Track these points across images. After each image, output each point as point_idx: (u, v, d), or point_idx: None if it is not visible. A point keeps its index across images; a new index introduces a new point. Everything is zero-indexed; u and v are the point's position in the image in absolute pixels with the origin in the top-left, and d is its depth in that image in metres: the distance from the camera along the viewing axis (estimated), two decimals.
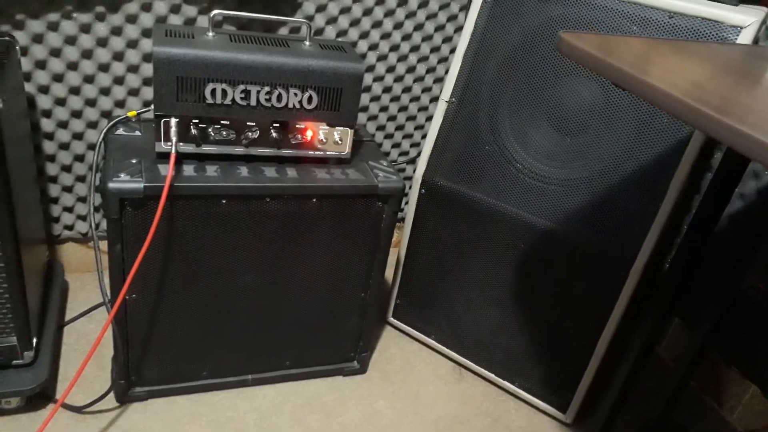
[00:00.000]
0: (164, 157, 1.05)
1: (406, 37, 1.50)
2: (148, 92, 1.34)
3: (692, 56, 0.73)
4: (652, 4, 1.05)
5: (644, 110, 1.09)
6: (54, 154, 1.33)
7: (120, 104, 1.33)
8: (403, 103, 1.60)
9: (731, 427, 1.26)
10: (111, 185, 0.98)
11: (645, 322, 1.12)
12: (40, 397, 1.15)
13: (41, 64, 1.23)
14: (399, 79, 1.55)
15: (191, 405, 1.22)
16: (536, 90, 1.18)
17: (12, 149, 1.01)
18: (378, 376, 1.39)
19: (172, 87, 1.00)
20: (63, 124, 1.31)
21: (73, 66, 1.25)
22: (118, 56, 1.28)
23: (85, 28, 1.23)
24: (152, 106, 1.04)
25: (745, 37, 0.99)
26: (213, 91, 1.02)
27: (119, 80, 1.30)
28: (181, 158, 1.08)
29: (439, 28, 1.52)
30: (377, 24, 1.45)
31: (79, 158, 1.36)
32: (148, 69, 1.31)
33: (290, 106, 1.08)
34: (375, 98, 1.55)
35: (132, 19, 1.25)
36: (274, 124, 1.09)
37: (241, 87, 1.03)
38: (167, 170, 1.01)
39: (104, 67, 1.28)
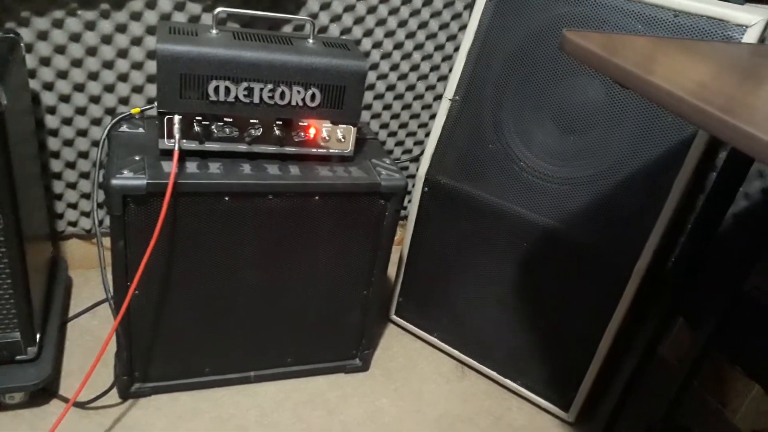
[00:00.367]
0: (167, 154, 1.05)
1: (410, 35, 1.50)
2: (151, 89, 1.34)
3: (697, 55, 0.72)
4: (657, 3, 1.05)
5: (648, 109, 1.08)
6: (58, 150, 1.33)
7: (124, 101, 1.33)
8: (407, 101, 1.60)
9: (735, 427, 1.25)
10: (114, 182, 0.98)
11: (648, 321, 1.11)
12: (44, 392, 1.16)
13: (46, 61, 1.23)
14: (403, 77, 1.55)
15: (194, 401, 1.23)
16: (540, 88, 1.17)
17: (16, 146, 1.01)
18: (380, 373, 1.39)
19: (176, 84, 1.00)
20: (67, 121, 1.31)
21: (77, 63, 1.25)
22: (123, 53, 1.28)
23: (90, 26, 1.23)
24: (156, 104, 1.04)
25: (751, 36, 0.99)
26: (216, 89, 1.02)
27: (123, 77, 1.30)
28: (184, 155, 1.08)
29: (444, 26, 1.52)
30: (381, 22, 1.45)
31: (83, 155, 1.36)
32: (152, 66, 1.31)
33: (293, 103, 1.08)
34: (378, 96, 1.55)
35: (136, 16, 1.25)
36: (277, 122, 1.09)
37: (245, 84, 1.03)
38: (170, 167, 1.02)
39: (108, 65, 1.28)
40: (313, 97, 1.08)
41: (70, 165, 1.36)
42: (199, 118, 1.04)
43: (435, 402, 1.34)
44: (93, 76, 1.28)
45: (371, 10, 1.42)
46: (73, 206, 1.41)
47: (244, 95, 1.04)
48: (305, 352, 1.30)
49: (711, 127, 0.51)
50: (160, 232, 1.03)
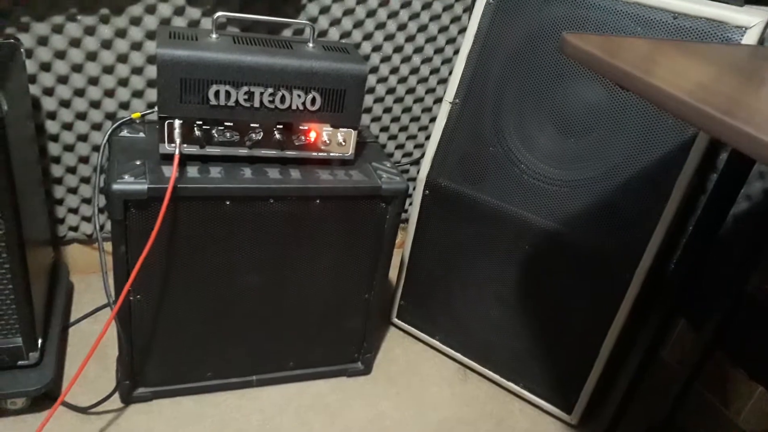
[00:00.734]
0: (168, 158, 1.05)
1: (410, 39, 1.50)
2: (152, 94, 1.34)
3: (697, 57, 0.72)
4: (656, 5, 1.05)
5: (649, 111, 1.08)
6: (59, 155, 1.33)
7: (124, 106, 1.33)
8: (407, 104, 1.60)
9: (738, 428, 1.25)
10: (115, 187, 0.98)
11: (650, 323, 1.11)
12: (46, 397, 1.15)
13: (46, 66, 1.23)
14: (403, 80, 1.55)
15: (196, 406, 1.22)
16: (540, 91, 1.17)
17: (17, 151, 1.01)
18: (382, 377, 1.39)
19: (176, 89, 1.00)
20: (68, 126, 1.31)
21: (77, 68, 1.25)
22: (123, 58, 1.28)
23: (90, 31, 1.23)
24: (156, 108, 1.04)
25: (750, 38, 0.99)
26: (216, 93, 1.02)
27: (123, 82, 1.31)
28: (185, 160, 1.08)
29: (443, 29, 1.52)
30: (381, 25, 1.45)
31: (84, 160, 1.36)
32: (152, 71, 1.31)
33: (294, 107, 1.08)
34: (379, 99, 1.55)
35: (136, 21, 1.25)
36: (278, 126, 1.09)
37: (245, 89, 1.03)
38: (171, 172, 1.02)
39: (109, 69, 1.28)
40: (313, 100, 1.08)
41: (71, 170, 1.36)
42: (200, 122, 1.04)
43: (437, 405, 1.34)
44: (93, 81, 1.28)
45: (371, 13, 1.43)
46: (74, 211, 1.41)
47: (245, 99, 1.04)
48: (307, 356, 1.30)
49: (711, 128, 0.51)
50: (161, 236, 1.04)
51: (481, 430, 1.30)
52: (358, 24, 1.43)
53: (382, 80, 1.53)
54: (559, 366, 1.30)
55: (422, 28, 1.50)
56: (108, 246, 1.04)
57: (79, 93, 1.28)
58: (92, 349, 1.00)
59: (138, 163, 1.05)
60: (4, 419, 1.12)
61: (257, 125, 1.08)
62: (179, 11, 1.27)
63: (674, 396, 1.23)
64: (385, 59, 1.50)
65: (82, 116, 1.31)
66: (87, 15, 1.22)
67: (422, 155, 1.69)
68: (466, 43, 1.24)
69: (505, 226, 1.26)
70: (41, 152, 1.31)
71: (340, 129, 1.13)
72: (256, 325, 1.21)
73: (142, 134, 1.16)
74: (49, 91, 1.26)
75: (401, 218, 1.21)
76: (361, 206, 1.15)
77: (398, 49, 1.50)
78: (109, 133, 1.14)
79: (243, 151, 1.10)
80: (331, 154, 1.16)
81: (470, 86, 1.25)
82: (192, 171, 1.06)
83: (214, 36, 1.06)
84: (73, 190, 1.39)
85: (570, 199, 1.18)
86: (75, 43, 1.23)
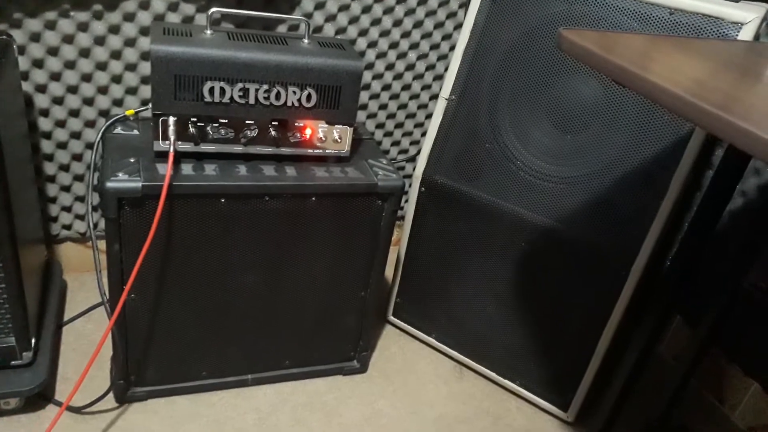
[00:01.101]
0: (162, 156, 1.04)
1: (406, 35, 1.49)
2: (146, 91, 1.33)
3: (693, 53, 0.72)
4: (652, 1, 1.05)
5: (645, 107, 1.08)
6: (52, 153, 1.32)
7: (118, 103, 1.32)
8: (403, 100, 1.59)
9: (733, 424, 1.25)
10: (109, 184, 0.97)
11: (646, 319, 1.11)
12: (39, 397, 1.15)
13: (39, 63, 1.22)
14: (398, 76, 1.55)
15: (191, 405, 1.22)
16: (536, 87, 1.17)
17: (9, 149, 1.01)
18: (378, 375, 1.39)
19: (170, 85, 1.00)
20: (61, 123, 1.30)
21: (70, 65, 1.25)
22: (116, 55, 1.27)
23: (83, 27, 1.22)
24: (150, 105, 1.04)
25: (746, 34, 0.99)
26: (211, 90, 1.02)
27: (117, 79, 1.30)
28: (180, 157, 1.08)
29: (439, 25, 1.51)
30: (376, 21, 1.44)
31: (77, 157, 1.35)
32: (146, 67, 1.30)
33: (289, 104, 1.07)
34: (374, 96, 1.55)
35: (130, 17, 1.25)
36: (273, 123, 1.08)
37: (240, 85, 1.03)
38: (165, 169, 1.01)
39: (102, 66, 1.27)
40: (308, 97, 1.08)
41: (64, 168, 1.35)
42: (194, 119, 1.04)
43: (433, 403, 1.34)
44: (86, 78, 1.27)
45: (366, 9, 1.42)
46: (68, 209, 1.41)
47: (240, 96, 1.04)
48: (303, 355, 1.30)
49: (708, 124, 0.51)
50: (156, 234, 1.03)
51: (478, 428, 1.30)
52: (354, 20, 1.42)
53: (378, 76, 1.52)
54: (556, 363, 1.30)
55: (418, 24, 1.49)
56: (102, 244, 1.04)
57: (73, 90, 1.27)
58: (94, 355, 0.99)
59: (132, 160, 1.04)
60: None
61: (252, 122, 1.07)
62: (173, 7, 1.26)
63: (670, 393, 1.24)
64: (381, 55, 1.50)
65: (75, 113, 1.30)
66: (80, 11, 1.21)
67: (418, 152, 1.69)
68: (462, 39, 1.24)
69: (501, 222, 1.26)
70: (34, 150, 1.30)
71: (336, 126, 1.13)
72: (251, 323, 1.20)
73: (136, 131, 1.15)
74: (41, 88, 1.25)
75: (397, 215, 1.21)
76: (357, 203, 1.15)
77: (394, 45, 1.49)
78: (102, 130, 1.13)
79: (238, 148, 1.09)
80: (327, 151, 1.15)
81: (466, 82, 1.25)
82: (186, 168, 1.05)
83: (208, 32, 1.05)
84: (66, 188, 1.38)
85: (566, 195, 1.18)
86: (68, 39, 1.22)
